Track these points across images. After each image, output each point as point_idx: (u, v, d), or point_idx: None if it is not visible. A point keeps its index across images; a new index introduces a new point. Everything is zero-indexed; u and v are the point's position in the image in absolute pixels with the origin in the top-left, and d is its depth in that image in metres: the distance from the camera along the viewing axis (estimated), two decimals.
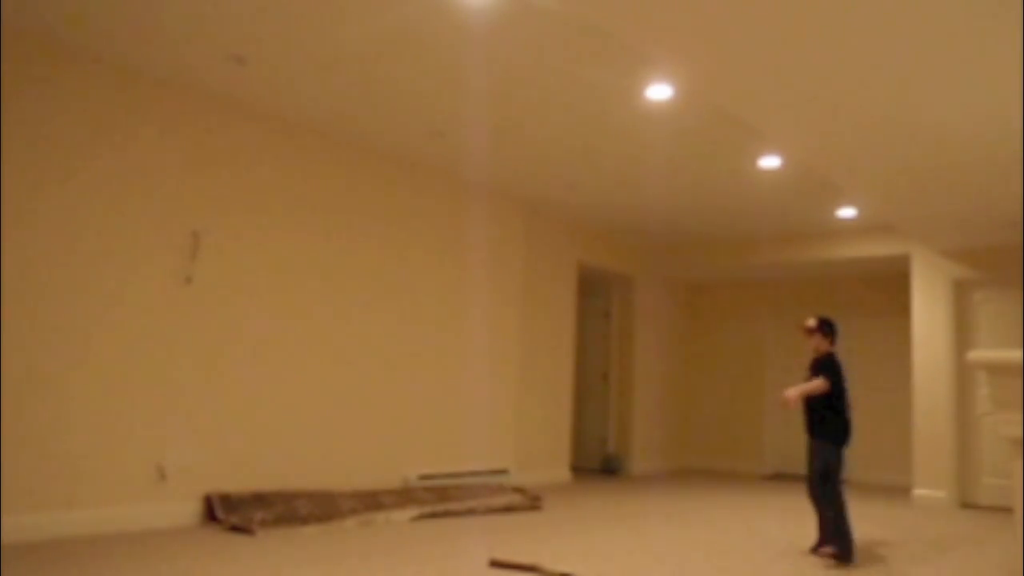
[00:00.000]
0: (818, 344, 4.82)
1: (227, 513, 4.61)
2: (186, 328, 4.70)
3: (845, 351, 9.04)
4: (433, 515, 5.24)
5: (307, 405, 5.34)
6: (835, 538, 4.35)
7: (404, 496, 5.48)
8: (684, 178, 6.35)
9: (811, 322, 4.85)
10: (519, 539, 4.56)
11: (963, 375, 7.13)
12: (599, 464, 8.90)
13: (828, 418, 4.58)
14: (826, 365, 4.71)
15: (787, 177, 6.18)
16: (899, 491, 8.00)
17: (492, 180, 6.66)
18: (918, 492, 7.12)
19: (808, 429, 4.66)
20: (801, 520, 5.77)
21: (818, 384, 4.59)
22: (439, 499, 5.57)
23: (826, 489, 4.45)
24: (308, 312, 5.38)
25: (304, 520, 4.66)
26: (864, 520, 5.89)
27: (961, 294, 7.26)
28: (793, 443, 9.40)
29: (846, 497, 4.45)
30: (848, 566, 4.22)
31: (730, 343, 9.90)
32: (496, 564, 3.82)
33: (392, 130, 5.47)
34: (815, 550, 4.49)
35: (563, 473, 7.73)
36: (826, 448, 4.53)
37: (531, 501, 5.92)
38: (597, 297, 9.27)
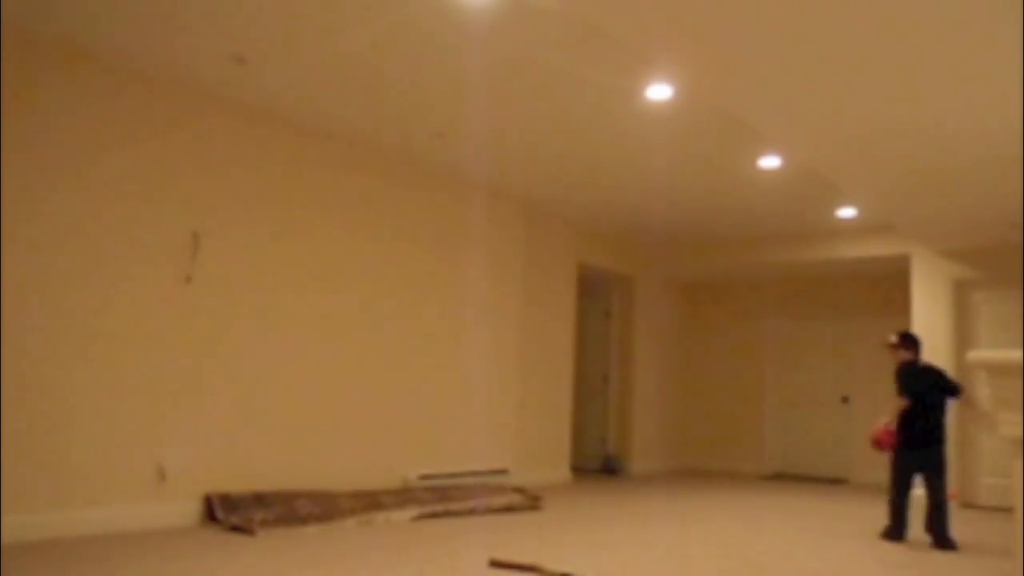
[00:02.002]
0: (901, 356, 5.25)
1: (227, 513, 4.61)
2: (186, 328, 4.71)
3: (845, 352, 9.09)
4: (433, 515, 5.24)
5: (307, 405, 5.34)
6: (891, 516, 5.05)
7: (404, 496, 5.48)
8: (684, 178, 6.35)
9: (892, 338, 5.32)
10: (519, 539, 4.56)
11: (963, 375, 7.13)
12: (599, 464, 8.90)
13: (903, 426, 5.03)
14: (898, 374, 5.18)
15: (787, 177, 6.18)
16: None
17: (492, 180, 6.66)
18: (918, 492, 7.11)
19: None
20: (802, 519, 5.77)
21: (897, 405, 5.07)
22: (439, 499, 5.57)
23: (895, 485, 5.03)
24: (308, 312, 5.38)
25: (304, 520, 4.66)
26: (864, 520, 5.89)
27: (961, 294, 7.26)
28: (793, 443, 9.40)
29: (905, 496, 5.01)
30: (895, 542, 4.96)
31: (730, 343, 9.90)
32: (496, 564, 3.82)
33: (392, 130, 5.47)
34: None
35: (563, 473, 7.73)
36: (898, 452, 5.04)
37: (531, 501, 5.92)
38: (597, 297, 9.27)
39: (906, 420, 5.01)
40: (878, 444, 5.11)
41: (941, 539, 4.80)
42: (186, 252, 4.74)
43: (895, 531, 5.01)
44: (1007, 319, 7.04)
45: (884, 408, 5.15)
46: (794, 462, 9.36)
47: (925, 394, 5.04)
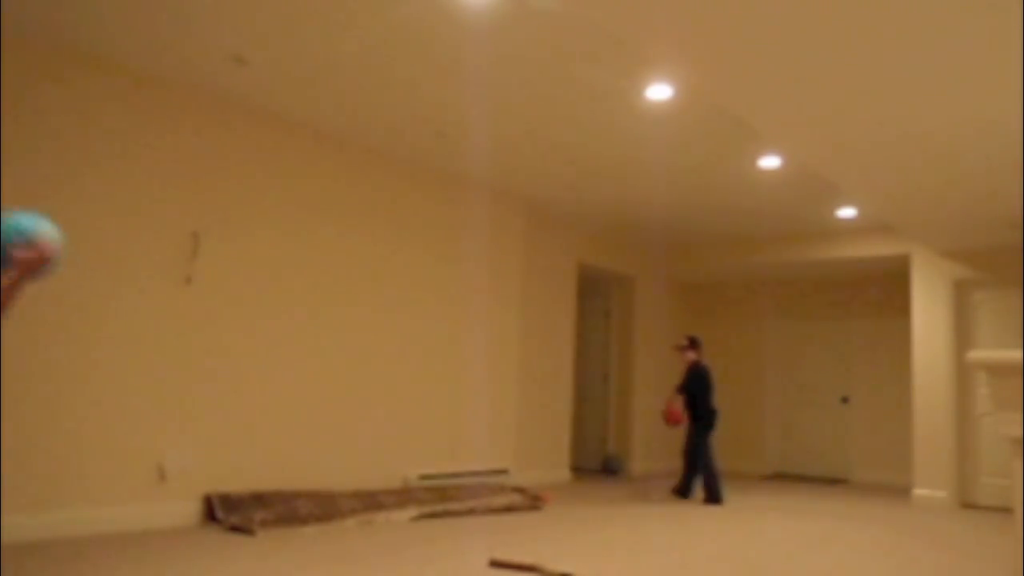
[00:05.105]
0: (690, 357, 6.74)
1: (227, 513, 4.61)
2: (186, 328, 4.71)
3: (845, 352, 9.09)
4: (433, 515, 5.24)
5: (307, 405, 5.34)
6: (706, 488, 6.47)
7: (404, 496, 5.48)
8: (684, 178, 6.36)
9: (684, 341, 6.82)
10: (519, 539, 4.56)
11: (963, 375, 7.13)
12: (599, 464, 8.90)
13: (703, 413, 6.60)
14: (694, 375, 6.66)
15: (787, 177, 6.18)
16: (899, 491, 8.00)
17: (492, 180, 6.66)
18: (918, 492, 7.12)
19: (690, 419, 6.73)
20: (802, 519, 5.77)
21: (675, 395, 6.72)
22: (439, 499, 5.57)
23: (696, 457, 6.55)
24: (308, 312, 5.38)
25: (304, 520, 4.66)
26: (864, 520, 5.89)
27: (961, 294, 7.26)
28: (793, 443, 9.41)
29: (712, 462, 6.55)
30: (719, 504, 6.40)
31: (730, 343, 9.90)
32: (496, 564, 3.82)
33: (392, 130, 5.47)
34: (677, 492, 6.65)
35: (563, 473, 7.73)
36: (700, 431, 6.57)
37: (531, 501, 5.92)
38: (597, 297, 9.27)
39: (704, 408, 6.54)
40: (673, 421, 6.60)
41: (714, 497, 6.45)
42: (186, 253, 4.74)
43: (717, 494, 6.42)
44: (1007, 319, 7.04)
45: (672, 401, 6.69)
46: (794, 462, 9.37)
47: (714, 388, 6.66)
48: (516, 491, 6.27)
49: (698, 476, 6.55)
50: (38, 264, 2.14)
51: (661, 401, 6.73)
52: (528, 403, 7.34)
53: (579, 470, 8.67)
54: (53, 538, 4.05)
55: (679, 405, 6.64)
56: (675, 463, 9.69)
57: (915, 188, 5.44)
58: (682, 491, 6.65)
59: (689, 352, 6.75)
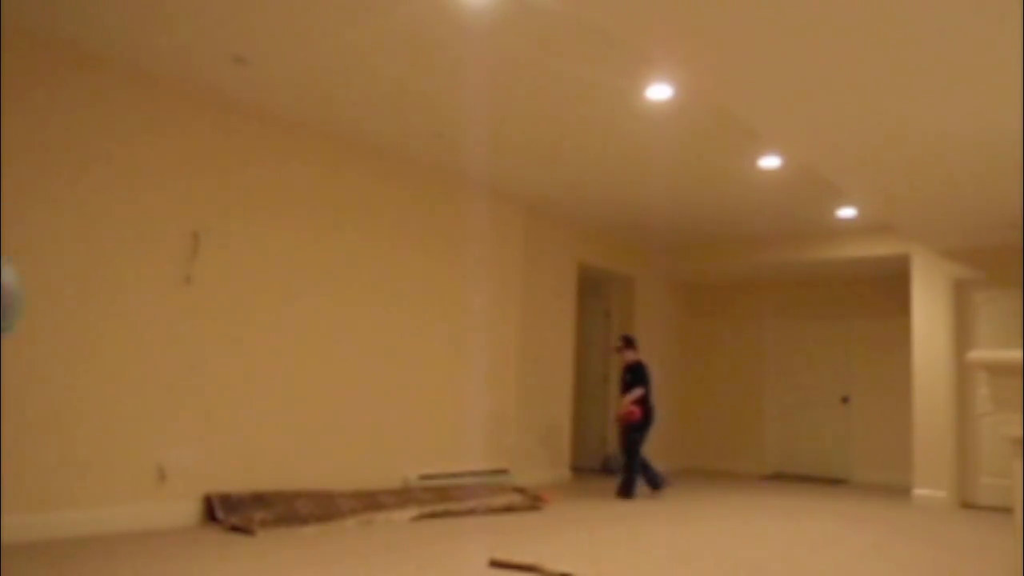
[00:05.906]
0: (629, 356, 6.93)
1: (227, 513, 4.61)
2: (186, 328, 4.70)
3: (845, 352, 9.09)
4: (433, 515, 5.24)
5: (307, 405, 5.34)
6: (624, 480, 6.68)
7: (404, 496, 5.48)
8: (684, 178, 6.36)
9: (618, 343, 7.11)
10: (519, 539, 4.56)
11: (963, 375, 7.13)
12: (599, 464, 8.90)
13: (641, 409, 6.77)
14: (639, 372, 6.86)
15: (787, 177, 6.18)
16: (899, 491, 8.00)
17: (492, 180, 6.66)
18: (918, 492, 7.12)
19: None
20: (802, 519, 5.77)
21: (639, 393, 6.78)
22: (439, 499, 5.57)
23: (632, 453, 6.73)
24: (308, 312, 5.38)
25: (304, 520, 4.66)
26: (864, 520, 5.89)
27: (961, 294, 7.26)
28: (793, 443, 9.41)
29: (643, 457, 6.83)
30: (631, 499, 6.55)
31: (730, 343, 9.90)
32: (496, 564, 3.82)
33: (392, 130, 5.47)
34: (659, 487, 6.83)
35: (563, 473, 7.73)
36: (641, 427, 6.76)
37: (531, 501, 5.92)
38: (597, 297, 9.27)
39: (646, 405, 6.75)
40: (632, 417, 6.67)
41: (658, 488, 6.81)
42: (186, 252, 4.74)
43: (632, 490, 6.62)
44: (1007, 319, 7.04)
45: (628, 398, 6.77)
46: (794, 462, 9.37)
47: (651, 385, 6.91)
48: (516, 491, 6.27)
49: (639, 469, 6.73)
50: None
51: (624, 405, 6.78)
52: (528, 403, 7.34)
53: (579, 470, 8.66)
54: (53, 538, 4.05)
55: (635, 402, 6.76)
56: (674, 462, 9.70)
57: (915, 188, 5.44)
58: (654, 484, 6.82)
59: (628, 351, 6.93)
